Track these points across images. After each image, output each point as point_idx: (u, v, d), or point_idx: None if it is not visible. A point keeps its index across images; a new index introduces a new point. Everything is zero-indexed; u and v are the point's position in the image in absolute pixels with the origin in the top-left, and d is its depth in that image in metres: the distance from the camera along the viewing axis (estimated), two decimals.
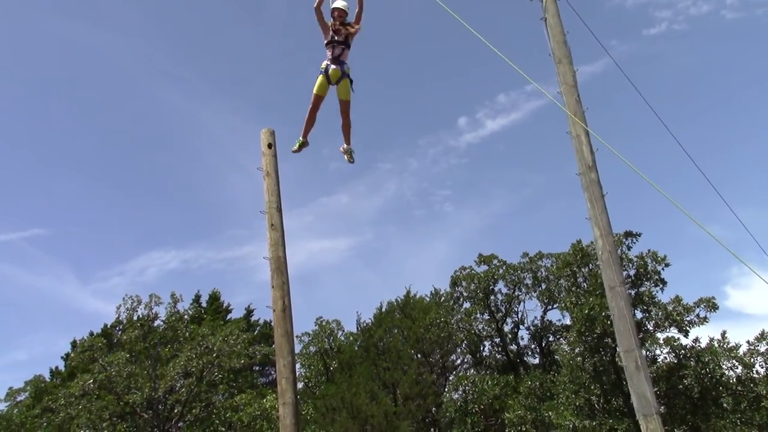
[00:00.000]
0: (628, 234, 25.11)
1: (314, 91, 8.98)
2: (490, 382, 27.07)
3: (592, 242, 23.12)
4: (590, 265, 25.41)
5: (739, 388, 23.56)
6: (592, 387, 23.66)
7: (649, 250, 24.97)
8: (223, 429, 27.46)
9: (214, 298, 42.72)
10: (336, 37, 8.98)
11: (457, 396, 28.82)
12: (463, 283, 32.06)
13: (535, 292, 31.84)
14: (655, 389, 19.59)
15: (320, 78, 8.94)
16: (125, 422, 27.30)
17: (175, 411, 27.92)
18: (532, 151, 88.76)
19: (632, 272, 24.65)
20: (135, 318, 29.85)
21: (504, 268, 31.66)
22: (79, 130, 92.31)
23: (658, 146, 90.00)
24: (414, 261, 73.60)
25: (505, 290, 31.99)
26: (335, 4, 9.17)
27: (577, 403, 23.24)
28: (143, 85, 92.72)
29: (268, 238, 10.07)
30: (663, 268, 24.74)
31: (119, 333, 31.73)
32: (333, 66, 8.88)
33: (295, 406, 8.97)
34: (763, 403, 22.93)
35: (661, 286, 24.70)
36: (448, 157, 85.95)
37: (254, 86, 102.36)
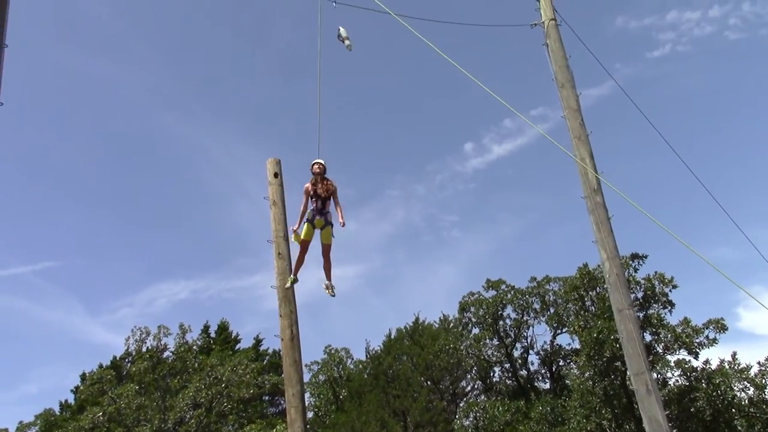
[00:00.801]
0: (635, 256, 25.05)
1: (302, 237, 10.18)
2: (500, 408, 26.83)
3: (599, 265, 23.11)
4: (598, 288, 25.34)
5: (752, 409, 23.33)
6: (603, 411, 23.46)
7: (656, 272, 24.93)
8: None
9: (223, 328, 42.59)
10: (319, 192, 10.25)
11: (468, 423, 28.57)
12: (472, 309, 31.92)
13: (543, 316, 31.63)
14: (667, 412, 19.39)
15: (306, 226, 10.19)
16: None
17: None
18: (538, 175, 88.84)
19: (640, 295, 24.57)
20: (144, 349, 29.86)
21: (512, 292, 31.51)
22: (85, 161, 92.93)
23: (668, 167, 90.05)
24: (422, 287, 73.36)
25: (513, 315, 31.82)
26: (316, 160, 10.47)
27: (589, 428, 23.03)
28: (149, 115, 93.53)
29: (276, 266, 10.15)
30: (671, 290, 24.70)
31: (128, 365, 31.74)
32: (318, 216, 10.21)
33: None
34: None
35: (670, 308, 24.64)
36: (455, 183, 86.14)
37: (259, 113, 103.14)
